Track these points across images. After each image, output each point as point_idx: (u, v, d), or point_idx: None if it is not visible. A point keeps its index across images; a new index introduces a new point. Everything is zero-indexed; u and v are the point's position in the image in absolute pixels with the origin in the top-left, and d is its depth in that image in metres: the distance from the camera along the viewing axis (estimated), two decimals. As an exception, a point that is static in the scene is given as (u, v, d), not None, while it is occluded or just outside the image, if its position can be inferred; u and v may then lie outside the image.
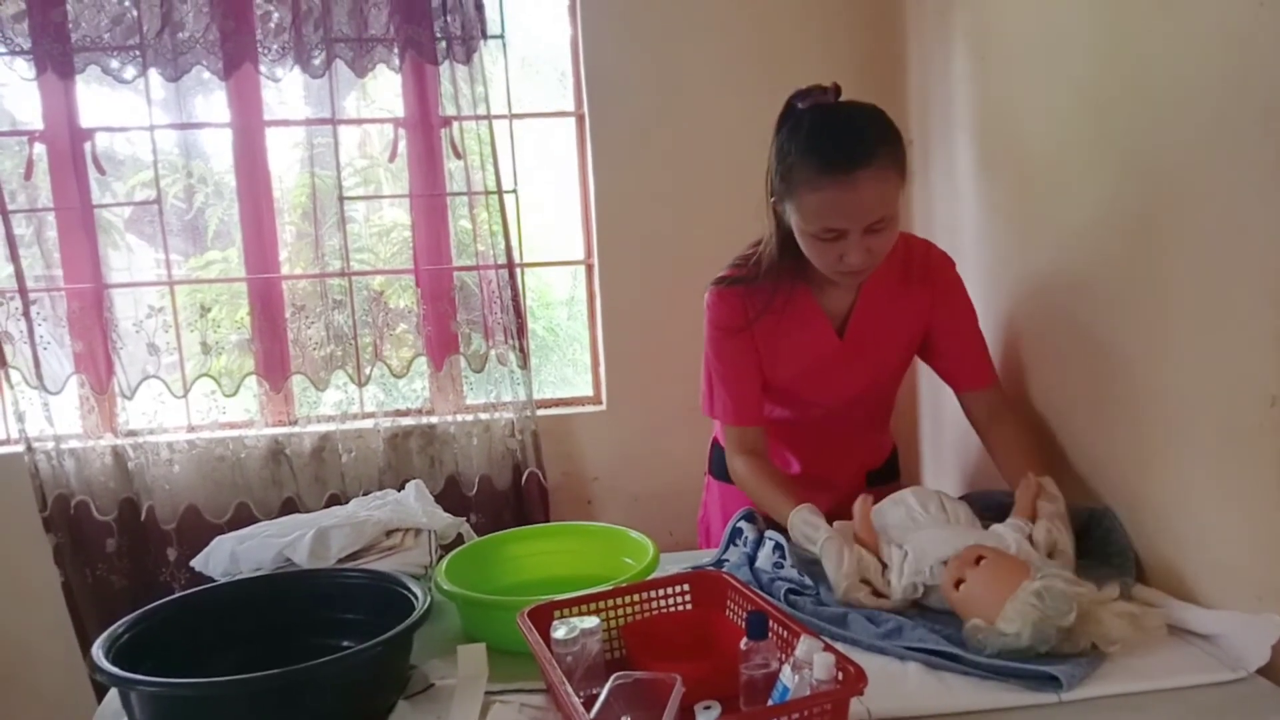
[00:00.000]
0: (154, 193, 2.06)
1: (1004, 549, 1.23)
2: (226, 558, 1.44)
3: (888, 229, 1.31)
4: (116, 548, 2.05)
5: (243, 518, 2.08)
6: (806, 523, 1.34)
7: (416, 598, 1.09)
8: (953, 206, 1.86)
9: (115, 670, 0.94)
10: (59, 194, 2.05)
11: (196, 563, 1.47)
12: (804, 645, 0.94)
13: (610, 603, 1.16)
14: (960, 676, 1.06)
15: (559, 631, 1.05)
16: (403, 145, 2.13)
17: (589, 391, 2.33)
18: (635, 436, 2.24)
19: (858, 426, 1.64)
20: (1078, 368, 1.43)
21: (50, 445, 2.02)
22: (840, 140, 1.26)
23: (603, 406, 2.27)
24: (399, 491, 1.64)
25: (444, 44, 2.04)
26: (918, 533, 1.30)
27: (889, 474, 1.72)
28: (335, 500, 2.11)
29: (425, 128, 2.12)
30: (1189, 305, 1.16)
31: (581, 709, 0.89)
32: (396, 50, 2.04)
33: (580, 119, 2.24)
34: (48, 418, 2.02)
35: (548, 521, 2.13)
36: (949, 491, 1.45)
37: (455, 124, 2.10)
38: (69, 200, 2.04)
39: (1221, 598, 1.14)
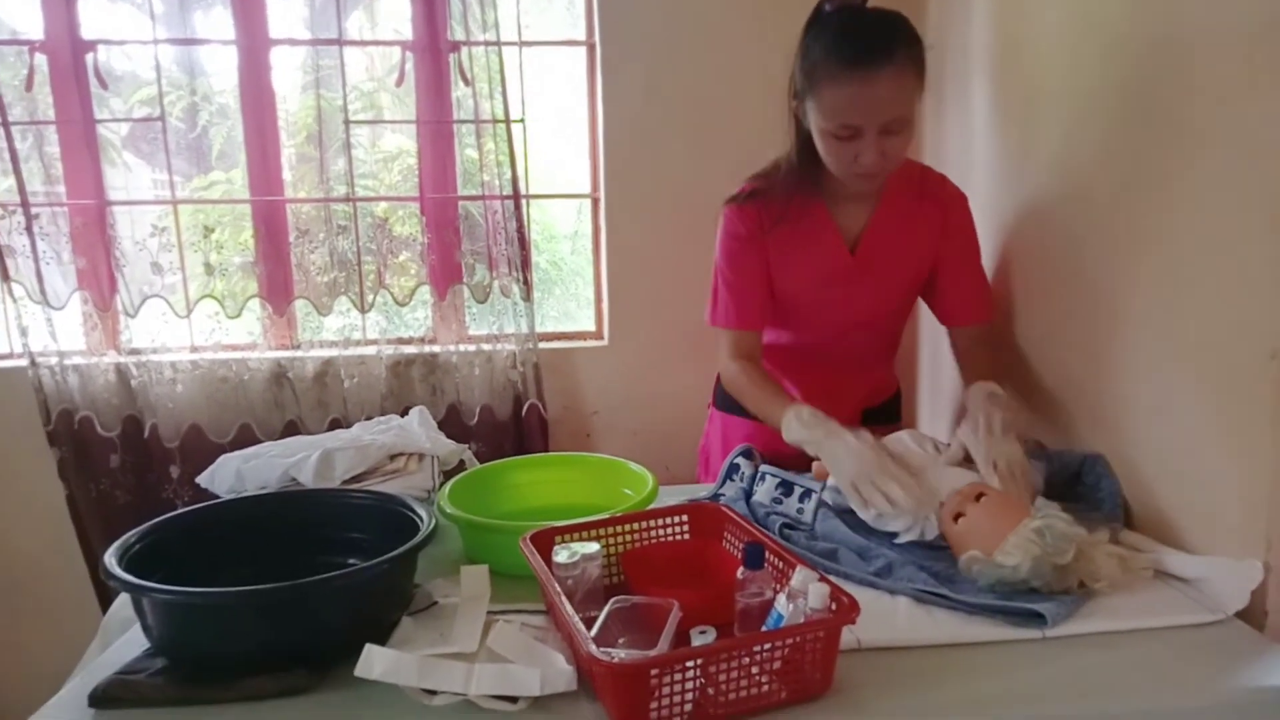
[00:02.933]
0: (155, 110, 2.03)
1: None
2: (232, 476, 1.46)
3: (903, 132, 1.34)
4: (120, 463, 2.07)
5: (245, 438, 2.11)
6: (810, 414, 1.37)
7: (421, 519, 1.12)
8: (966, 142, 1.85)
9: (130, 578, 0.96)
10: (60, 107, 2.02)
11: (202, 479, 1.49)
12: (799, 576, 0.97)
13: (610, 530, 1.19)
14: (948, 611, 1.09)
15: (561, 555, 1.08)
16: (409, 69, 2.09)
17: (591, 326, 2.34)
18: (636, 372, 2.25)
19: (861, 356, 1.66)
20: (1079, 315, 1.44)
21: (54, 360, 2.03)
22: (863, 38, 1.30)
23: (604, 341, 2.28)
24: (401, 417, 1.67)
25: (453, -36, 2.00)
26: (922, 472, 1.33)
27: (890, 414, 1.74)
28: (337, 424, 2.13)
29: (433, 52, 2.08)
30: (1193, 256, 1.17)
31: (582, 628, 0.91)
32: (405, -31, 2.00)
33: (591, 48, 2.20)
34: (51, 333, 2.02)
35: (548, 452, 2.16)
36: (942, 435, 1.47)
37: (464, 49, 2.06)
38: (70, 114, 2.01)
39: (1206, 544, 1.17)
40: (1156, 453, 1.27)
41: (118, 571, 0.98)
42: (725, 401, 1.77)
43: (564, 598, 0.98)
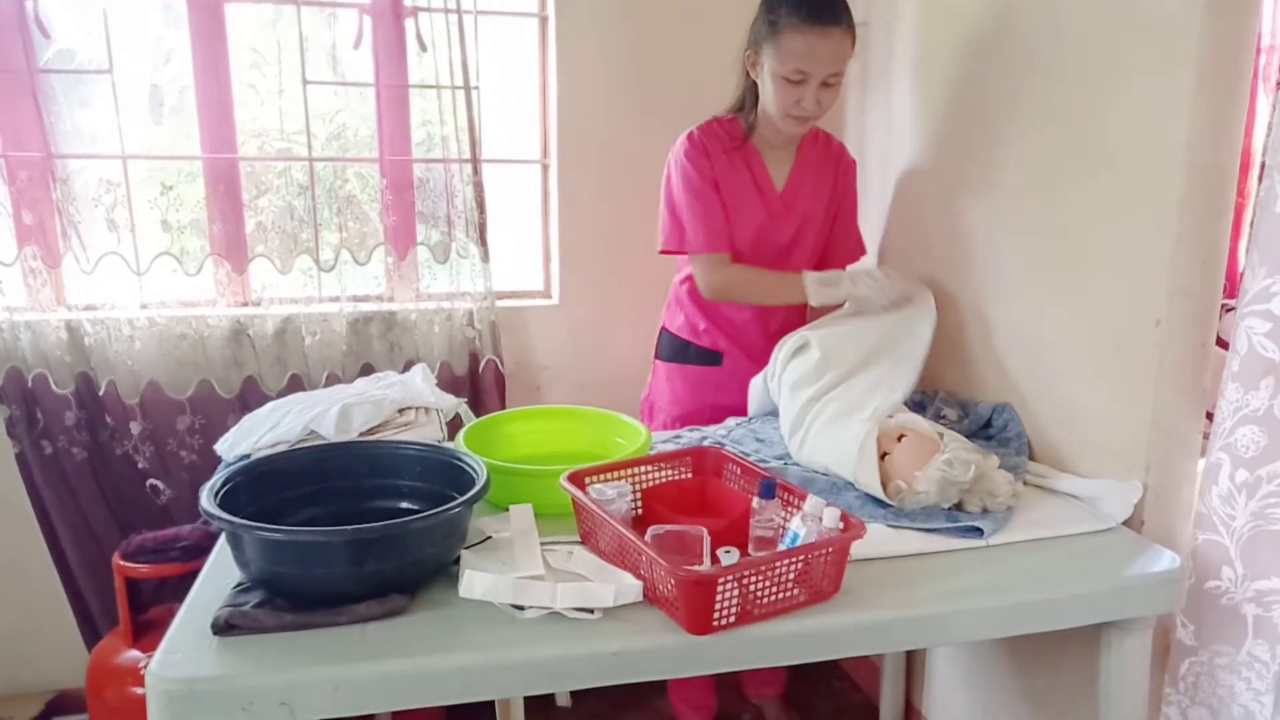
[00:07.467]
0: (105, 61, 1.99)
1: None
2: (246, 440, 1.53)
3: (835, 88, 1.68)
4: (75, 420, 2.06)
5: (204, 395, 2.14)
6: (822, 276, 1.78)
7: (473, 468, 1.27)
8: (887, 125, 2.10)
9: (230, 518, 1.07)
10: (-1, 55, 1.95)
11: (219, 447, 1.56)
12: (812, 501, 1.20)
13: (629, 472, 1.38)
14: (911, 531, 1.35)
15: (600, 492, 1.27)
16: (368, 33, 2.14)
17: (537, 285, 2.47)
18: (585, 330, 2.41)
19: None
20: (999, 287, 1.72)
21: (2, 316, 1.98)
22: (823, 1, 1.63)
23: (554, 301, 2.42)
24: (362, 376, 1.75)
25: (418, -66, 2.05)
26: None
27: None
28: (297, 380, 2.19)
29: (392, 16, 2.13)
30: (1091, 240, 1.46)
31: (645, 543, 1.11)
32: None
33: (543, 20, 2.30)
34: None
35: (504, 407, 2.30)
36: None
37: (422, 15, 2.12)
38: (11, 63, 1.94)
39: (1096, 470, 1.48)
40: (1057, 399, 1.57)
41: (218, 512, 1.09)
42: (669, 352, 2.00)
43: (623, 526, 1.16)
